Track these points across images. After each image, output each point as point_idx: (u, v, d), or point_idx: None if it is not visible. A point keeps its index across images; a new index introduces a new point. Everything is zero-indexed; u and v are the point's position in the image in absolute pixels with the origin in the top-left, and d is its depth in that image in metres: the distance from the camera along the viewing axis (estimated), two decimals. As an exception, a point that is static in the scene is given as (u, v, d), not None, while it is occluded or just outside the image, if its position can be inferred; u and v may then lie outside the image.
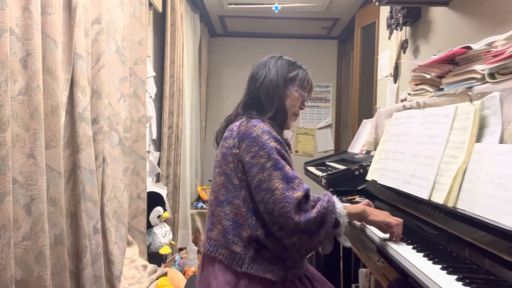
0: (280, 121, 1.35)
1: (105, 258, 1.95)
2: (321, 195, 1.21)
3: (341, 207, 1.19)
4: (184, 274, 3.02)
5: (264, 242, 1.21)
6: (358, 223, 1.52)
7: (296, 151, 5.21)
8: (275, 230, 1.18)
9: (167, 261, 3.07)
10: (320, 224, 1.15)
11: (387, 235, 1.22)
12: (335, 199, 1.21)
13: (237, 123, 1.29)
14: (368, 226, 1.36)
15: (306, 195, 1.17)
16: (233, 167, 1.25)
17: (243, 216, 1.22)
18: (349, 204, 1.38)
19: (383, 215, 1.23)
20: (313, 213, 1.14)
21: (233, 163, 1.25)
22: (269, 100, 1.33)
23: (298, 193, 1.15)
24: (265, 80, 1.34)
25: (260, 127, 1.23)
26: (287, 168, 1.19)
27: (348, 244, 1.24)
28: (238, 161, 1.24)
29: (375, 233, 1.30)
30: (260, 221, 1.21)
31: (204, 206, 4.02)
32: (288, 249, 1.21)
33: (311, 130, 5.25)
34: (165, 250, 2.77)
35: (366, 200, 1.44)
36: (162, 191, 2.90)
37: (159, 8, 2.98)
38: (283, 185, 1.16)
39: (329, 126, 5.27)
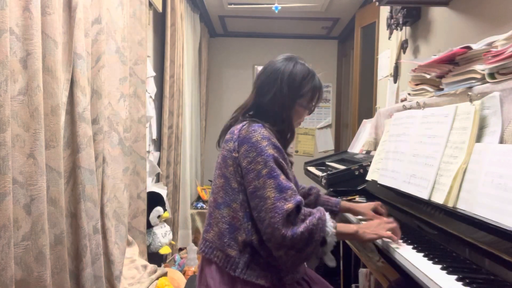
0: (288, 134, 1.34)
1: (105, 258, 1.95)
2: (314, 210, 1.19)
3: (331, 227, 1.16)
4: (184, 274, 3.02)
5: (257, 248, 1.20)
6: (354, 219, 1.52)
7: (296, 151, 5.21)
8: (265, 240, 1.17)
9: (167, 261, 3.07)
10: (307, 241, 1.13)
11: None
12: (327, 216, 1.18)
13: (238, 126, 1.28)
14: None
15: (298, 207, 1.16)
16: (233, 171, 1.24)
17: (239, 220, 1.22)
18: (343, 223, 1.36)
19: (377, 230, 1.20)
20: (301, 227, 1.12)
21: (232, 166, 1.24)
22: (278, 118, 1.30)
23: (289, 205, 1.13)
24: (275, 98, 1.29)
25: (260, 133, 1.22)
26: (282, 177, 1.18)
27: (333, 264, 1.22)
28: (237, 165, 1.23)
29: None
30: (255, 227, 1.20)
31: (204, 206, 4.02)
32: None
33: (311, 130, 5.25)
34: (165, 250, 2.77)
35: (378, 202, 1.45)
36: (162, 191, 2.90)
37: (159, 8, 2.98)
38: (275, 194, 1.14)
39: (329, 126, 5.27)
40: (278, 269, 1.22)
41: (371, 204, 1.48)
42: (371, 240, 1.22)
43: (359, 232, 1.20)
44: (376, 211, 1.45)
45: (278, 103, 1.29)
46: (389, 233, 1.19)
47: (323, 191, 2.03)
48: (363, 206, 1.48)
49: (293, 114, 1.33)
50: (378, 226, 1.21)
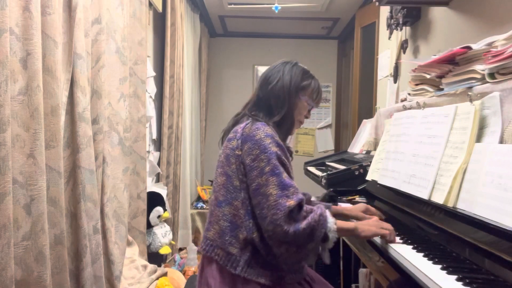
0: (286, 127, 1.35)
1: (105, 258, 1.95)
2: (315, 207, 1.20)
3: (332, 222, 1.18)
4: (184, 274, 3.02)
5: (258, 246, 1.21)
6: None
7: (296, 151, 5.21)
8: (266, 237, 1.18)
9: (167, 261, 3.07)
10: (309, 237, 1.15)
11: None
12: (327, 213, 1.20)
13: (242, 125, 1.30)
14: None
15: (299, 205, 1.17)
16: (235, 169, 1.25)
17: (240, 218, 1.22)
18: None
19: (374, 228, 1.22)
20: (303, 224, 1.14)
21: (235, 164, 1.25)
22: (278, 105, 1.33)
23: (291, 202, 1.14)
24: (277, 85, 1.34)
25: (264, 131, 1.24)
26: (284, 175, 1.19)
27: (328, 261, 1.23)
28: (240, 163, 1.24)
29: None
30: (257, 224, 1.21)
31: (204, 206, 4.02)
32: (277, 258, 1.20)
33: (311, 130, 5.25)
34: (165, 250, 2.77)
35: (363, 205, 1.46)
36: (162, 191, 2.90)
37: (159, 8, 2.98)
38: (277, 191, 1.16)
39: (329, 126, 5.27)
40: (279, 268, 1.23)
41: (362, 206, 1.47)
42: (367, 237, 1.24)
43: (358, 227, 1.22)
44: (367, 212, 1.45)
45: (280, 90, 1.33)
46: (384, 230, 1.20)
47: (323, 191, 2.03)
48: (354, 209, 1.47)
49: (294, 104, 1.35)
50: (374, 225, 1.23)
